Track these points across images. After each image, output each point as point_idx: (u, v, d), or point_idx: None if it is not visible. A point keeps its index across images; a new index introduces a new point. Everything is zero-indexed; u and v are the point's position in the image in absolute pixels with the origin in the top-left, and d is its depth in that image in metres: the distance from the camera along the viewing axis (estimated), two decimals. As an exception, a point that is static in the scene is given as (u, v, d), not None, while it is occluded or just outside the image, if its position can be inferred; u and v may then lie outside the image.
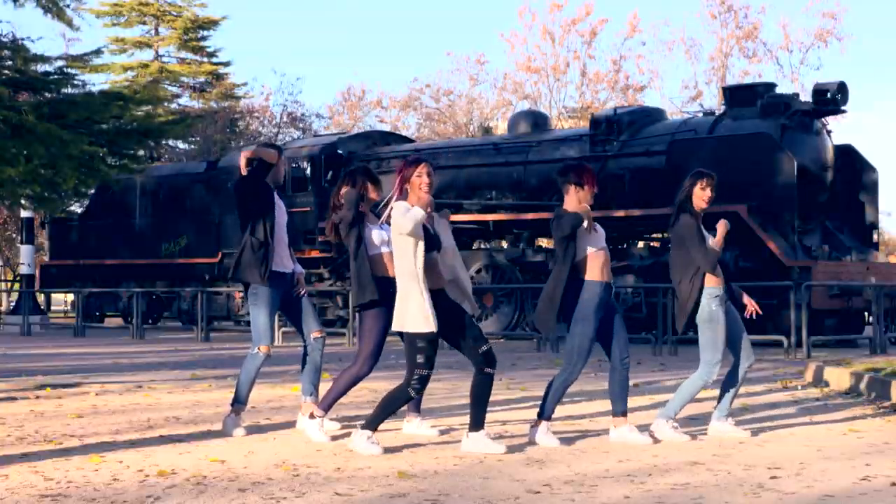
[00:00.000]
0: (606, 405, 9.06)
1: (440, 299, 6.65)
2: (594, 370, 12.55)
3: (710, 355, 7.30)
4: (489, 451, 6.57)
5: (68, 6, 12.87)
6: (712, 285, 7.29)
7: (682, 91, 44.47)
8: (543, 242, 23.39)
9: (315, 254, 23.80)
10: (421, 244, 6.52)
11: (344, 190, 7.38)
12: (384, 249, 7.13)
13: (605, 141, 20.50)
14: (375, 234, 7.19)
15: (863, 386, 9.89)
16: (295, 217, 19.35)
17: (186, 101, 46.03)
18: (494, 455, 6.47)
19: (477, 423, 6.67)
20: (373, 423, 6.70)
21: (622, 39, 44.68)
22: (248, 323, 29.72)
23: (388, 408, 6.72)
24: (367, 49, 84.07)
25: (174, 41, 46.80)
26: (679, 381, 11.52)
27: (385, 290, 6.98)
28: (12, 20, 58.70)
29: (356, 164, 24.04)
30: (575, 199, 7.10)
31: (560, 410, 8.64)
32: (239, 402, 7.55)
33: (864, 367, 10.78)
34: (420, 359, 6.54)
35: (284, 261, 7.72)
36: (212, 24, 46.89)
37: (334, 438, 7.16)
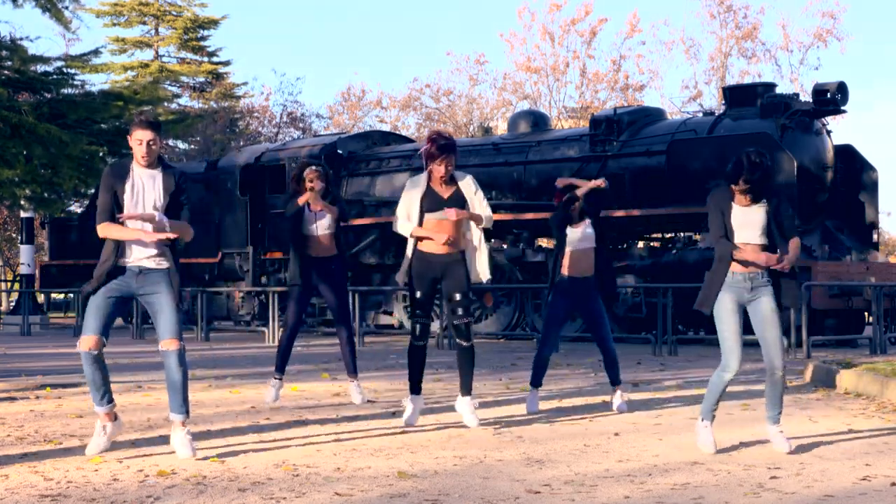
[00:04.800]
0: (609, 405, 9.06)
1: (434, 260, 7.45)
2: (594, 370, 12.56)
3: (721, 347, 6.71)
4: (468, 420, 7.33)
5: (66, 7, 12.87)
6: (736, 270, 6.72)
7: (682, 91, 44.64)
8: (543, 242, 23.34)
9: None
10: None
11: None
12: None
13: (605, 141, 20.49)
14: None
15: (863, 386, 9.89)
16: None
17: (186, 101, 46.06)
18: (494, 455, 6.48)
19: (465, 389, 7.49)
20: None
21: (622, 39, 44.77)
22: (248, 323, 29.34)
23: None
24: (367, 49, 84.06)
25: (174, 41, 46.82)
26: (679, 380, 11.53)
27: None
28: (11, 20, 58.71)
29: (352, 164, 24.19)
30: None
31: (562, 409, 8.64)
32: None
33: (864, 367, 10.77)
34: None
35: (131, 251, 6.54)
36: (212, 23, 46.92)
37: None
